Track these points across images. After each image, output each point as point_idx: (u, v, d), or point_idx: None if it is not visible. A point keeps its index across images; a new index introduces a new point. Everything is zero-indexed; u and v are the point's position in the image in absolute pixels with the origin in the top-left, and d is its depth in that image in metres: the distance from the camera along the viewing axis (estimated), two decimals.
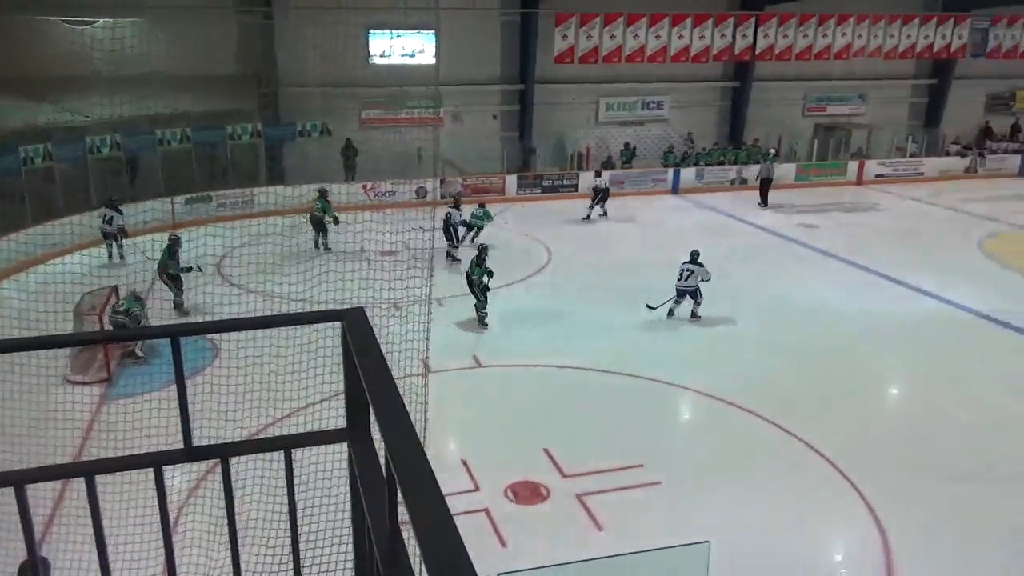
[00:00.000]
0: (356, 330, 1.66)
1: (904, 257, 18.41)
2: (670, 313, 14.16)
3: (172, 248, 14.29)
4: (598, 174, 23.52)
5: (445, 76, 23.85)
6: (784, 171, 27.16)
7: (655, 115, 28.00)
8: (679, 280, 13.98)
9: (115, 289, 12.86)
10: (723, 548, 6.45)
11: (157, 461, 1.71)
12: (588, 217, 22.13)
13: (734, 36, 26.01)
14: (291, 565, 1.90)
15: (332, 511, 5.70)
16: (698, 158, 27.20)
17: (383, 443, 1.30)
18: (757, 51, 26.36)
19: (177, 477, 8.02)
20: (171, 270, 14.20)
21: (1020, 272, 17.39)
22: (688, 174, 26.44)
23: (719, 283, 14.88)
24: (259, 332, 11.75)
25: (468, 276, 13.82)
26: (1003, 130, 31.86)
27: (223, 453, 1.72)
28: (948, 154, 29.78)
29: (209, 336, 12.16)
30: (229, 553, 1.83)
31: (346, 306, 1.79)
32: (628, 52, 25.35)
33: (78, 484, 1.73)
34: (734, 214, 23.02)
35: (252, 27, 23.04)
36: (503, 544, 7.93)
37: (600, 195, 22.32)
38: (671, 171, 26.38)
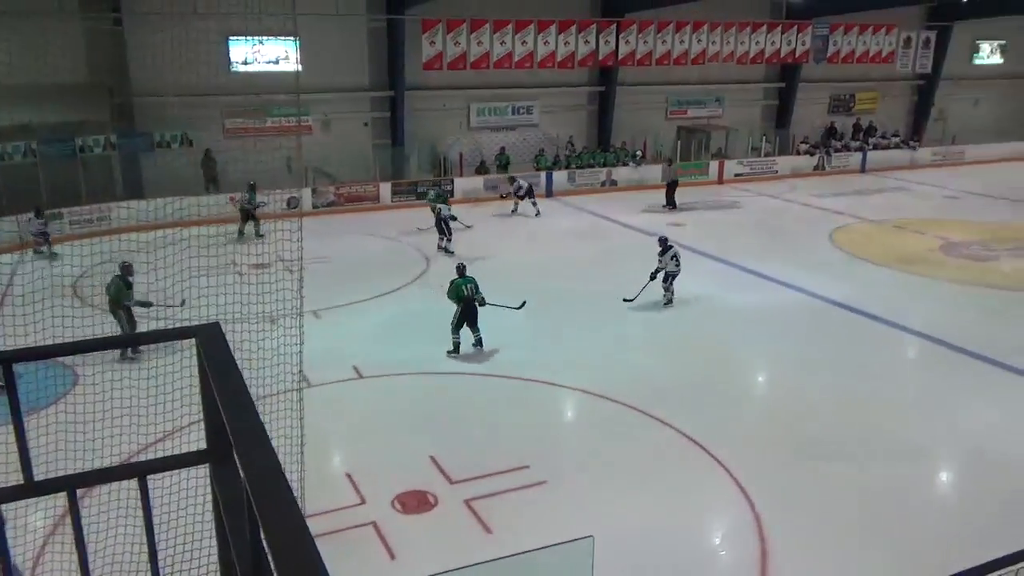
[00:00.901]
0: (211, 347, 1.59)
1: (763, 250, 19.51)
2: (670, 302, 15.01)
3: (126, 277, 12.56)
4: (512, 180, 24.17)
5: (312, 83, 23.38)
6: (651, 172, 28.22)
7: (526, 120, 28.44)
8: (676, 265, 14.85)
9: None
10: (607, 541, 6.60)
11: None
12: (538, 214, 23.40)
13: (597, 42, 26.78)
14: None
15: (198, 538, 5.46)
16: (568, 161, 27.85)
17: (240, 467, 1.25)
18: (619, 57, 27.24)
19: (30, 516, 7.45)
20: (127, 302, 12.56)
21: (867, 261, 18.77)
22: (560, 177, 27.04)
23: (597, 284, 15.28)
24: (117, 357, 11.13)
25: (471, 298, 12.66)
26: (845, 130, 34.35)
27: (70, 484, 1.60)
28: (798, 153, 31.81)
29: (67, 362, 11.41)
30: None
31: (214, 322, 1.71)
32: (496, 58, 25.62)
33: None
34: (607, 215, 23.69)
35: (100, 34, 21.76)
36: (392, 556, 7.83)
37: (526, 191, 23.42)
38: (543, 174, 26.86)
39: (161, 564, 1.74)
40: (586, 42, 26.67)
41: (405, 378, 12.04)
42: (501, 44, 25.55)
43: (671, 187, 24.85)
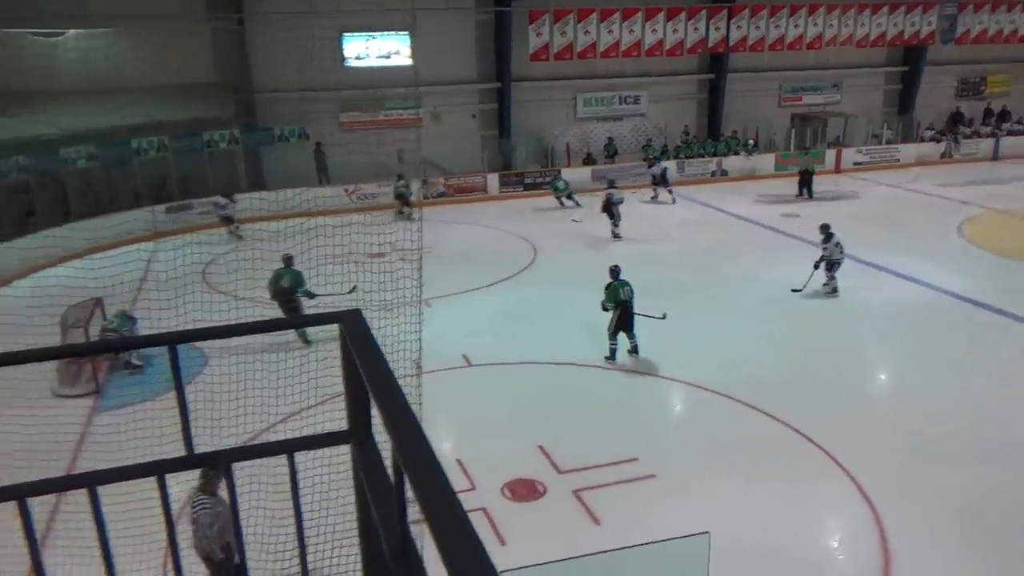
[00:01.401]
0: (355, 332, 1.65)
1: (885, 243, 18.60)
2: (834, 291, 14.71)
3: (291, 266, 12.93)
4: (651, 163, 24.60)
5: (422, 76, 23.84)
6: (763, 162, 27.38)
7: (633, 109, 28.11)
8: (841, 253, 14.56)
9: (99, 301, 12.74)
10: (722, 539, 6.48)
11: (161, 470, 1.69)
12: (674, 201, 23.62)
13: (707, 29, 26.17)
14: (298, 568, 1.89)
15: (329, 513, 5.68)
16: (677, 151, 27.35)
17: (390, 442, 1.29)
18: (730, 43, 26.55)
19: (174, 486, 7.97)
20: (301, 291, 12.87)
21: (998, 254, 17.64)
22: (669, 167, 26.57)
23: (707, 274, 14.96)
24: (247, 338, 11.70)
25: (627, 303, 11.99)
26: (975, 115, 32.27)
27: (227, 459, 1.71)
28: (923, 140, 30.14)
29: (197, 344, 12.07)
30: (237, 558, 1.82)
31: (336, 309, 1.79)
32: (603, 48, 25.45)
33: (75, 496, 1.70)
34: (718, 206, 23.16)
35: (225, 34, 22.89)
36: (502, 542, 7.94)
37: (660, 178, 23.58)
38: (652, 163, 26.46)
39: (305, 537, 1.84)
40: (695, 29, 26.11)
41: (514, 367, 12.16)
42: (608, 33, 25.33)
43: (805, 176, 24.02)
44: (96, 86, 16.33)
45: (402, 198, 21.90)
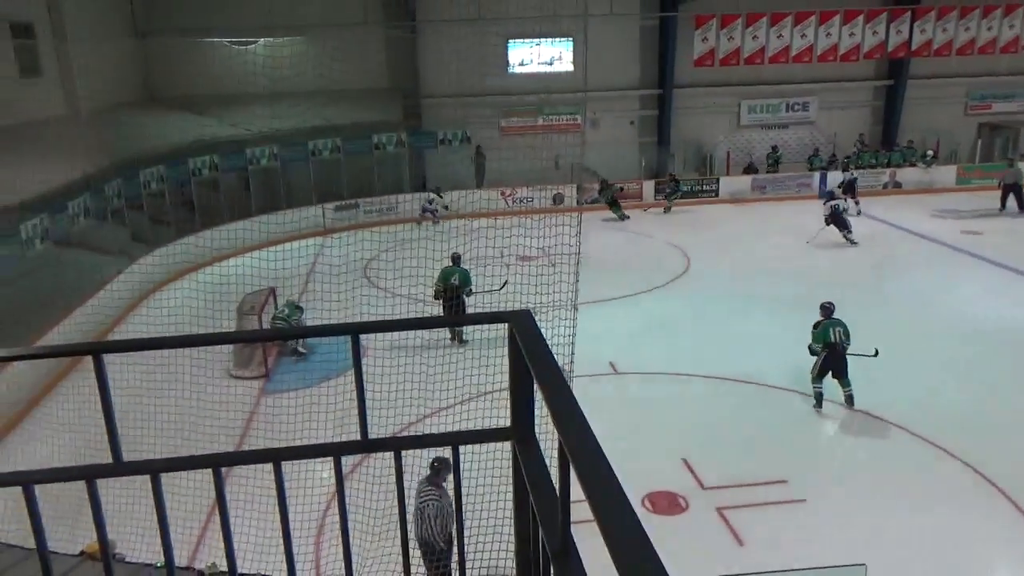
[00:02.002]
0: (524, 332, 1.69)
1: None
2: None
3: (459, 264, 13.42)
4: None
5: (582, 83, 23.93)
6: (943, 174, 25.49)
7: (800, 117, 26.92)
8: None
9: (272, 291, 13.71)
10: (875, 571, 6.11)
11: (337, 451, 1.80)
12: (859, 213, 22.07)
13: (887, 32, 24.65)
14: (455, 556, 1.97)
15: (486, 506, 5.83)
16: (847, 161, 25.94)
17: (559, 440, 1.31)
18: (913, 47, 24.85)
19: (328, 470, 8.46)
20: (467, 288, 13.23)
21: None
22: (836, 178, 25.23)
23: (873, 294, 14.11)
24: (403, 335, 12.21)
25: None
26: None
27: (397, 446, 1.80)
28: None
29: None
30: (398, 541, 1.92)
31: (490, 310, 1.86)
32: (772, 53, 24.55)
33: (240, 470, 1.85)
34: (890, 220, 21.76)
35: (398, 41, 23.98)
36: None
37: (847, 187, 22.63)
38: (817, 175, 25.29)
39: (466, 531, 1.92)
40: (874, 33, 24.65)
41: (661, 377, 11.99)
42: (778, 38, 24.41)
43: (1010, 190, 22.14)
44: (280, 90, 17.57)
45: (613, 202, 22.78)
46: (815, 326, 10.82)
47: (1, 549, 3.43)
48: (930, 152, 26.07)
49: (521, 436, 1.69)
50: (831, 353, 10.55)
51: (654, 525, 8.33)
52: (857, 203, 22.08)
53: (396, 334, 12.43)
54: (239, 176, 21.58)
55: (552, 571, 1.33)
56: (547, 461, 1.67)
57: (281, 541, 1.86)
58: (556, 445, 1.32)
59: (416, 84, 24.47)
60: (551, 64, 24.46)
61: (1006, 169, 23.14)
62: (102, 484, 1.66)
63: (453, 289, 13.14)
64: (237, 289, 12.88)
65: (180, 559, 5.27)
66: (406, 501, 1.88)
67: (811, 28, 24.40)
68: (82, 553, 3.67)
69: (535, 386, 1.52)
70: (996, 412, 10.56)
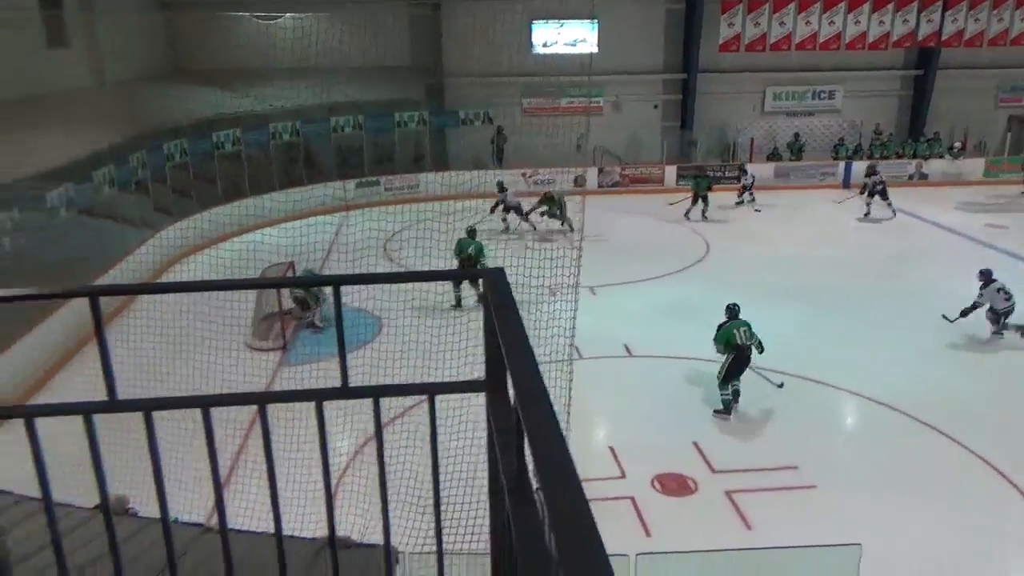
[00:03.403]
0: (496, 288, 1.77)
1: None
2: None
3: (474, 237, 14.27)
4: (870, 173, 21.49)
5: (607, 65, 23.81)
6: (971, 167, 25.18)
7: (826, 105, 26.64)
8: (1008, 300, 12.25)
9: (291, 264, 13.84)
10: (877, 556, 6.15)
11: (318, 396, 1.89)
12: (741, 202, 22.12)
13: (918, 21, 24.32)
14: (431, 496, 2.04)
15: (466, 454, 5.95)
16: (872, 150, 25.67)
17: (512, 391, 1.41)
18: (944, 37, 24.51)
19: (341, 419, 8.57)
20: (483, 259, 13.88)
21: None
22: (861, 168, 24.99)
23: (889, 283, 14.00)
24: (420, 311, 12.34)
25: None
26: None
27: (376, 393, 1.88)
28: None
29: (376, 313, 12.87)
30: (377, 476, 2.01)
31: (500, 267, 1.93)
32: (799, 39, 24.34)
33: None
34: (913, 211, 21.54)
35: (422, 20, 23.97)
36: (647, 533, 7.93)
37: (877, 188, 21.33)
38: (842, 164, 25.06)
39: (442, 476, 2.00)
40: (904, 21, 24.35)
41: (676, 362, 12.00)
42: (806, 24, 24.18)
43: None
44: (304, 66, 17.65)
45: (698, 195, 20.73)
46: (719, 327, 10.27)
47: (19, 500, 3.53)
48: (957, 144, 25.74)
49: (493, 387, 1.76)
50: (737, 355, 10.04)
51: (662, 505, 8.40)
52: (890, 205, 20.99)
53: (416, 302, 12.61)
54: (262, 151, 21.73)
55: (509, 504, 1.44)
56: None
57: (269, 489, 1.94)
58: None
59: (439, 63, 24.46)
60: (575, 46, 24.35)
61: None
62: (114, 441, 1.73)
63: (468, 259, 13.76)
64: (257, 263, 13.02)
65: (197, 516, 5.41)
66: (383, 447, 1.97)
67: (840, 15, 24.13)
68: (96, 507, 3.77)
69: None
70: (1014, 406, 10.50)
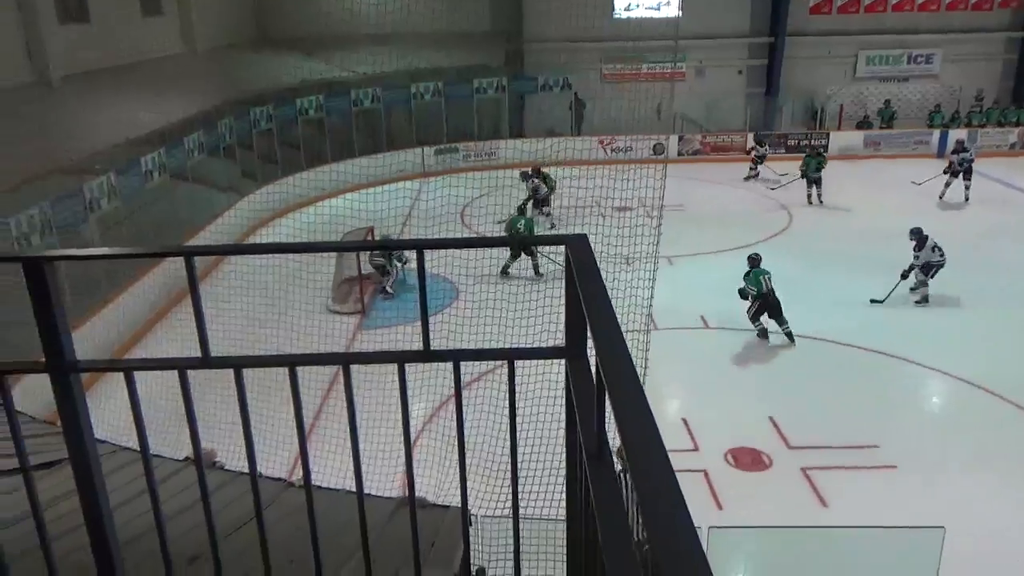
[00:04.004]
0: (579, 254, 1.76)
1: None
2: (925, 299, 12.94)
3: (526, 213, 14.75)
4: (959, 150, 19.39)
5: (690, 29, 23.18)
6: None
7: (923, 70, 25.33)
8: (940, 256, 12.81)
9: (370, 230, 14.10)
10: (961, 541, 5.95)
11: (400, 359, 1.93)
12: (967, 200, 19.14)
13: None
14: (500, 460, 2.08)
15: (536, 420, 5.99)
16: (970, 118, 24.34)
17: (595, 357, 1.40)
18: None
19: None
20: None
21: None
22: (958, 137, 23.76)
23: (985, 258, 13.36)
24: (495, 279, 12.44)
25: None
26: None
27: (456, 357, 1.91)
28: None
29: (452, 280, 13.02)
30: (448, 439, 2.05)
31: (583, 234, 1.91)
32: (895, 0, 23.13)
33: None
34: (1011, 182, 20.43)
35: None
36: (719, 507, 7.88)
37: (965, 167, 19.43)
38: (936, 133, 23.86)
39: (520, 438, 2.01)
40: None
41: (752, 334, 11.78)
42: None
43: None
44: (385, 33, 17.76)
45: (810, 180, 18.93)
46: (746, 275, 11.70)
47: (115, 450, 3.74)
48: None
49: (573, 354, 1.76)
50: (764, 299, 11.46)
51: (735, 479, 8.32)
52: (968, 187, 19.17)
53: (493, 269, 12.73)
54: (343, 117, 22.07)
55: (588, 470, 1.44)
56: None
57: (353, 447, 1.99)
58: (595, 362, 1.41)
59: (520, 28, 24.27)
60: (658, 9, 23.78)
61: None
62: (206, 397, 1.81)
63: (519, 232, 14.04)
64: (338, 228, 13.32)
65: (279, 471, 5.63)
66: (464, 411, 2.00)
67: None
68: (187, 458, 3.97)
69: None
70: None
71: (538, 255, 13.85)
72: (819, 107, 25.12)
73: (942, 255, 12.82)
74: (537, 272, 13.72)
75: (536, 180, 17.29)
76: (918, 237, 13.00)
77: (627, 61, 24.16)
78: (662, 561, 0.89)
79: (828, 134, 23.90)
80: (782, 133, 24.19)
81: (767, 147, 21.99)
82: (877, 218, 17.70)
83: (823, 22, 24.06)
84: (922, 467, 8.41)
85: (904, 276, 12.90)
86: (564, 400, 1.77)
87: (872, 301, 12.88)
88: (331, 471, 4.80)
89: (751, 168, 21.56)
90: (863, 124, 24.69)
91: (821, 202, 18.76)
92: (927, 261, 12.82)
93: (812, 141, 23.32)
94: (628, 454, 1.10)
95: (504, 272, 13.73)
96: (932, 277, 12.81)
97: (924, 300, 12.87)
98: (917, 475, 8.27)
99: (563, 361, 1.79)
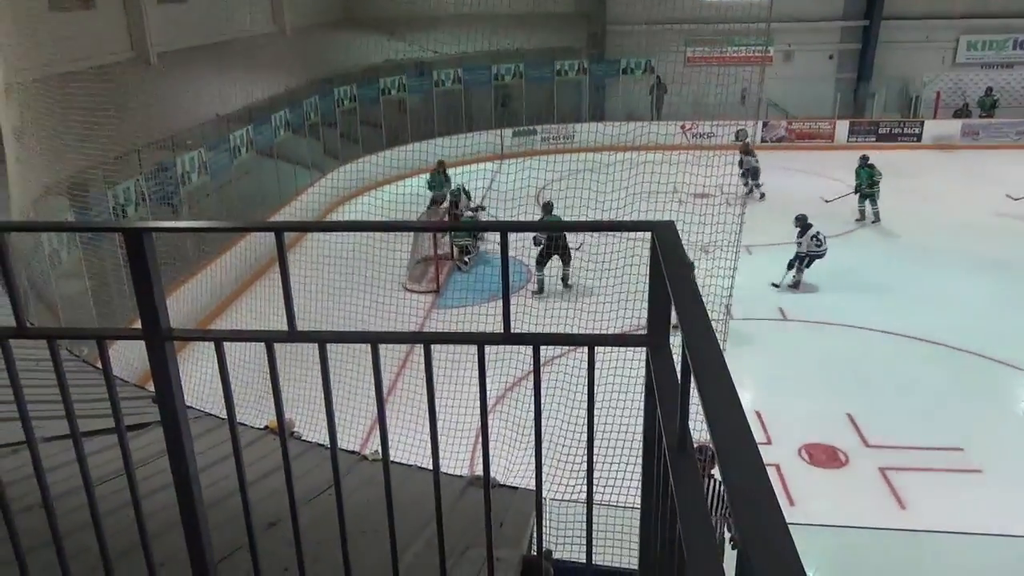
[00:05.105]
0: (665, 241, 1.71)
1: None
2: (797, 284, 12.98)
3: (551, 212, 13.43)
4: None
5: (779, 12, 22.40)
6: None
7: None
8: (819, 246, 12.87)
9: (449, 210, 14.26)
10: None
11: (480, 340, 1.93)
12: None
13: None
14: (571, 444, 2.06)
15: (622, 407, 5.96)
16: None
17: (683, 346, 1.36)
18: None
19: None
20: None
21: None
22: None
23: None
24: (558, 266, 12.38)
25: None
26: None
27: (536, 341, 1.89)
28: None
29: (524, 262, 13.06)
30: (517, 422, 2.04)
31: (670, 220, 1.86)
32: None
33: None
34: None
35: None
36: (791, 502, 7.71)
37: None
38: None
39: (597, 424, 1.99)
40: None
41: (832, 328, 11.46)
42: None
43: None
44: (467, 13, 17.79)
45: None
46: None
47: (199, 416, 3.90)
48: None
49: (655, 343, 1.72)
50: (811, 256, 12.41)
51: (809, 476, 8.13)
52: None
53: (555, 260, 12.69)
54: (424, 97, 22.27)
55: (669, 464, 1.41)
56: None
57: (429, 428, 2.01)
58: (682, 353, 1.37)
59: (602, 10, 23.97)
60: None
61: None
62: (286, 369, 1.84)
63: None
64: (416, 207, 13.48)
65: (352, 444, 5.77)
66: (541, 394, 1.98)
67: None
68: (266, 427, 4.12)
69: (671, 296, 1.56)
70: None
71: (570, 265, 12.93)
72: (914, 95, 24.06)
73: (820, 245, 12.78)
74: (566, 284, 12.78)
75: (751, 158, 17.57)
76: (802, 224, 12.96)
77: (712, 44, 23.60)
78: (755, 563, 0.87)
79: (922, 122, 22.91)
80: (873, 120, 23.29)
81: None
82: (971, 211, 16.90)
83: (922, 5, 22.99)
84: (1010, 473, 8.05)
85: (791, 266, 12.93)
86: (644, 389, 1.74)
87: (773, 285, 13.01)
88: (403, 447, 4.91)
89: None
90: (961, 113, 23.55)
91: (877, 219, 16.43)
92: (808, 251, 12.82)
93: (904, 130, 22.39)
94: (719, 450, 1.07)
95: (540, 290, 12.75)
96: (808, 267, 12.85)
97: (796, 286, 12.84)
98: (1004, 481, 7.92)
99: (643, 349, 1.76)
